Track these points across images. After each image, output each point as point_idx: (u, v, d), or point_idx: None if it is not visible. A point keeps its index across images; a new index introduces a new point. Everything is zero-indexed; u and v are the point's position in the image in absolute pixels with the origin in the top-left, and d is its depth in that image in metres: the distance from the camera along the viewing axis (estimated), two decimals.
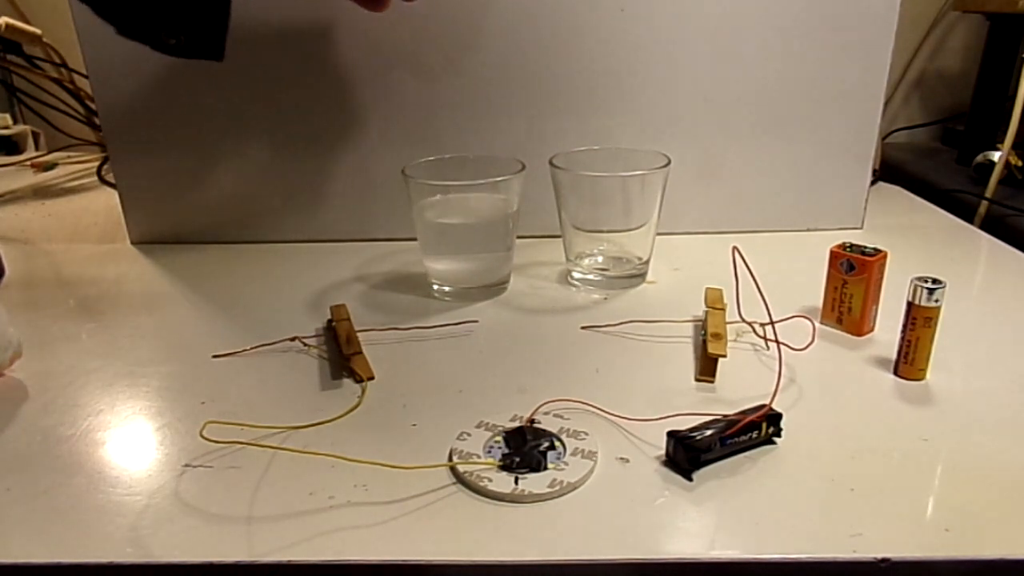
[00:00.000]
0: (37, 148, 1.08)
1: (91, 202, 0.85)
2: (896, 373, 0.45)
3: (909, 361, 0.44)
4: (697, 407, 0.41)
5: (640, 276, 0.59)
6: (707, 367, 0.45)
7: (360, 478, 0.36)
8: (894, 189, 0.83)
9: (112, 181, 0.71)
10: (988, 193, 0.77)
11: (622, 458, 0.38)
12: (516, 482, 0.35)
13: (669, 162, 0.55)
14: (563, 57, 0.64)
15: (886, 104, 0.89)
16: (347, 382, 0.45)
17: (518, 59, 0.64)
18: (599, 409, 0.41)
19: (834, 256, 0.50)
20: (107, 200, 0.81)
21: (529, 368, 0.47)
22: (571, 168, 0.55)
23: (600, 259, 0.59)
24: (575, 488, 0.35)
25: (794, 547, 0.32)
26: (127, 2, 0.32)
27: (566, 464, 0.37)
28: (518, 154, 0.57)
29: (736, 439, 0.37)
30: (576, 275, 0.59)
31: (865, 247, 0.49)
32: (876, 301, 0.50)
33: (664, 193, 0.56)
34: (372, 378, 0.45)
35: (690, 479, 0.36)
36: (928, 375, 0.44)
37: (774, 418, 0.38)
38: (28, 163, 1.00)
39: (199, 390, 0.45)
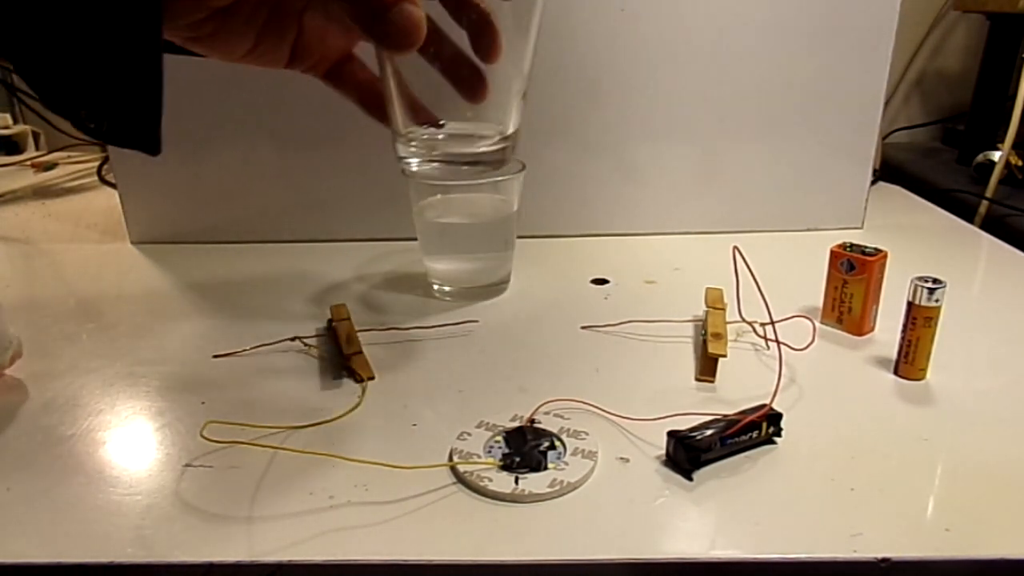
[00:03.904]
0: (37, 148, 1.08)
1: (91, 202, 0.85)
2: (896, 373, 0.45)
3: (909, 361, 0.44)
4: (697, 407, 0.41)
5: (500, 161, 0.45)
6: (707, 367, 0.45)
7: (360, 478, 0.36)
8: (894, 189, 0.83)
9: (112, 181, 0.71)
10: (988, 193, 0.77)
11: (622, 458, 0.38)
12: (516, 482, 0.35)
13: None
14: (563, 57, 0.64)
15: (886, 104, 0.89)
16: (347, 382, 0.45)
17: None
18: (599, 409, 0.41)
19: (834, 256, 0.50)
20: (107, 200, 0.81)
21: (529, 368, 0.47)
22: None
23: (441, 136, 0.46)
24: (575, 488, 0.35)
25: (794, 547, 0.32)
26: (49, 69, 0.27)
27: (566, 464, 0.37)
28: (518, 154, 0.57)
29: (736, 439, 0.37)
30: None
31: (865, 247, 0.49)
32: (876, 301, 0.50)
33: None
34: (372, 378, 0.45)
35: (690, 479, 0.36)
36: (928, 375, 0.44)
37: (774, 418, 0.38)
38: (28, 163, 0.99)
39: (199, 390, 0.45)
